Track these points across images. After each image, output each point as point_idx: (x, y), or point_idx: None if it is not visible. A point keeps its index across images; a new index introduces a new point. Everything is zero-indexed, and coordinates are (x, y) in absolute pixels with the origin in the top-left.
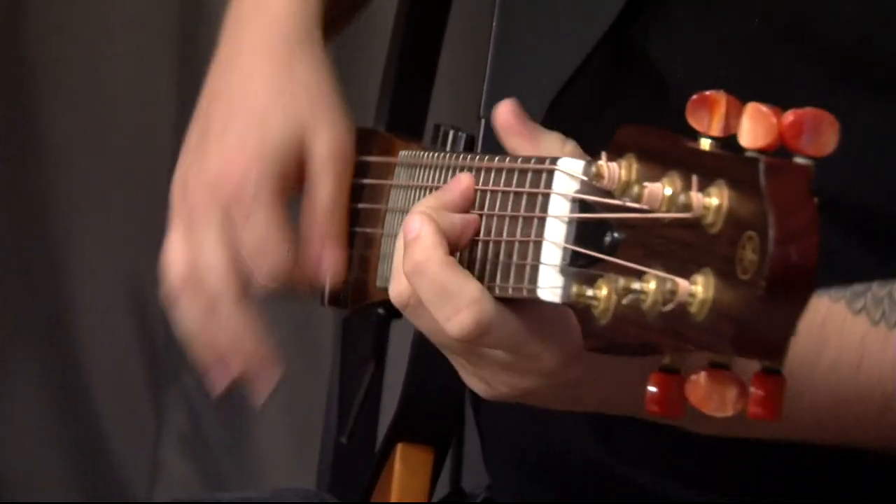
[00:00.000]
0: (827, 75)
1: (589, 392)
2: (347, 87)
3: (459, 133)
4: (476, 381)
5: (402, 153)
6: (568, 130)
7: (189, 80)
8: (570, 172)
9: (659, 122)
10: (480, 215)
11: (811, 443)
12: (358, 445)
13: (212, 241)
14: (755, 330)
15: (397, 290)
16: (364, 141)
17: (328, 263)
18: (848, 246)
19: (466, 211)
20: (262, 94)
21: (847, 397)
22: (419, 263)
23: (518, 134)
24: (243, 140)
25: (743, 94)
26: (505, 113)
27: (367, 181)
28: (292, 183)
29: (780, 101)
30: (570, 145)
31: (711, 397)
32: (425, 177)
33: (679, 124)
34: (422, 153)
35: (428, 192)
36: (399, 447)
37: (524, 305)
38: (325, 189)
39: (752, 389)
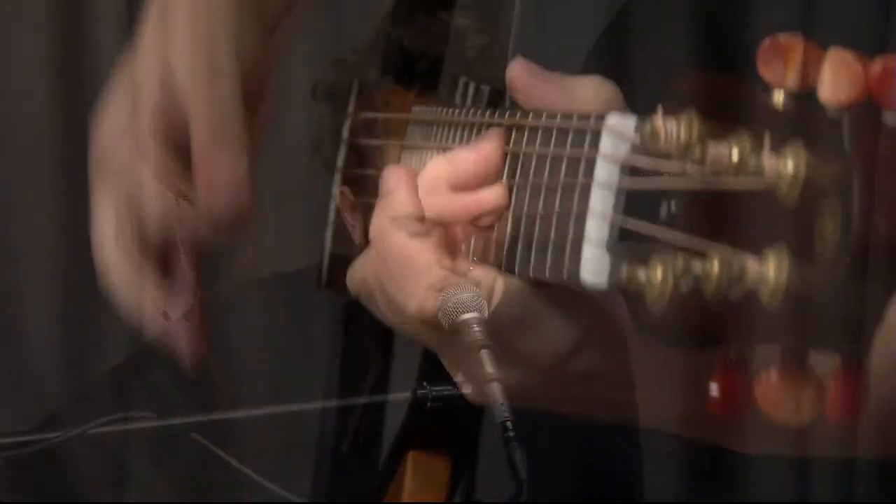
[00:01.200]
0: None
1: (589, 393)
2: (350, 32)
3: (482, 86)
4: (459, 376)
5: (416, 109)
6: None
7: None
8: (619, 131)
9: (709, 71)
10: (510, 186)
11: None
12: (361, 453)
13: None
14: (836, 317)
15: (352, 272)
16: (368, 95)
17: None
18: None
19: (488, 179)
20: None
21: None
22: (386, 228)
23: (542, 92)
24: None
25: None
26: (518, 73)
27: (373, 142)
28: None
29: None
30: (608, 88)
31: (785, 397)
32: (444, 136)
33: (732, 74)
34: (440, 109)
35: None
36: (410, 456)
37: (524, 287)
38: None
39: (832, 386)
